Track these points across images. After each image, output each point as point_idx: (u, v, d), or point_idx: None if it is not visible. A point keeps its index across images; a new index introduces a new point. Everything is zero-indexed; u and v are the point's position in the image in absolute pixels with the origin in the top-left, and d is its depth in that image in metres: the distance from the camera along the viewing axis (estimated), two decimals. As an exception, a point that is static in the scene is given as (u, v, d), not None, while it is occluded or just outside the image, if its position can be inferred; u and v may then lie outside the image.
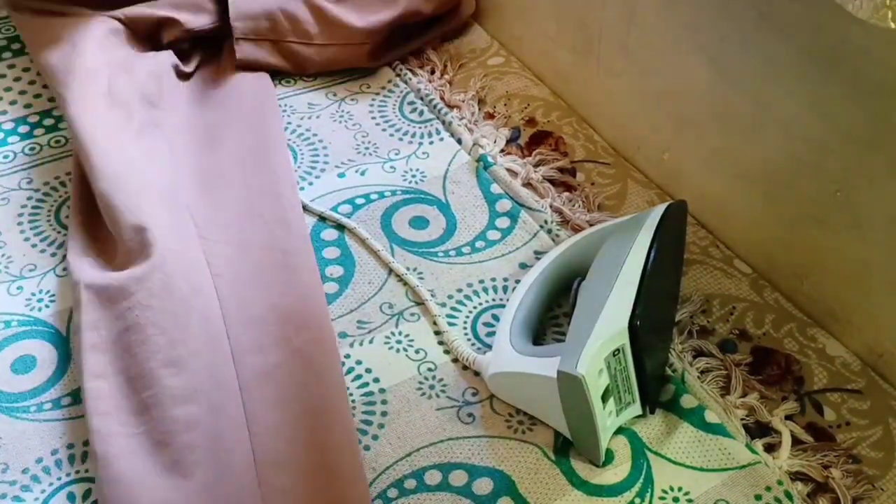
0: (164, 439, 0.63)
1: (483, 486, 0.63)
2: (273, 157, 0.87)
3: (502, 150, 0.92)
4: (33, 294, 0.75)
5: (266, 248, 0.77)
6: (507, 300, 0.76)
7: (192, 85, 0.98)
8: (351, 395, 0.69)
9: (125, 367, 0.66)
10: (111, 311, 0.69)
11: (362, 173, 0.89)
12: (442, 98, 0.99)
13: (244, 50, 0.98)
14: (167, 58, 0.97)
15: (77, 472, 0.63)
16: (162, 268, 0.72)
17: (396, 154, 0.91)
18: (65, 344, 0.72)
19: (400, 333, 0.74)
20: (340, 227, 0.83)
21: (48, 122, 0.93)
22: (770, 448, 0.67)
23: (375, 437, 0.66)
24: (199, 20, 1.00)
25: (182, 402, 0.64)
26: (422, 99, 0.98)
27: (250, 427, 0.65)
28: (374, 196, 0.86)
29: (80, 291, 0.71)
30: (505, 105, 0.99)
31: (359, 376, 0.70)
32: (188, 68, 0.98)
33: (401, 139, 0.93)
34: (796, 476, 0.65)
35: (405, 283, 0.78)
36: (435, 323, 0.74)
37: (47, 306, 0.74)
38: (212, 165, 0.86)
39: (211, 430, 0.64)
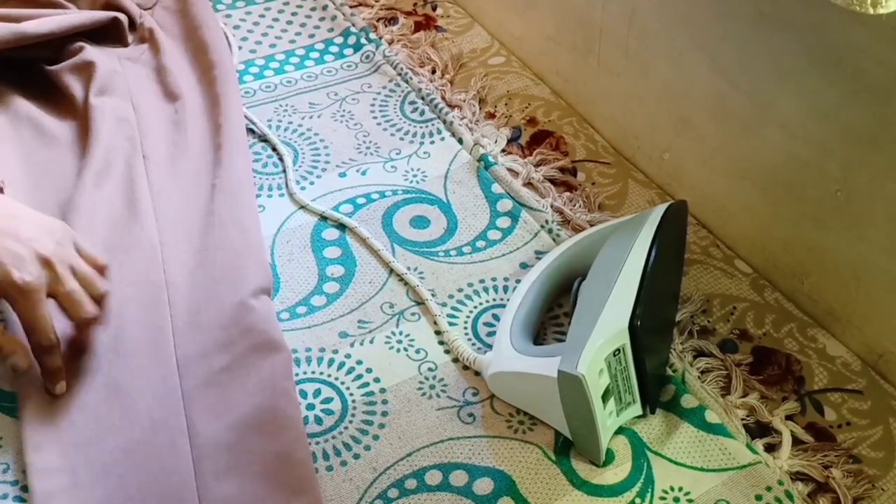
0: (104, 469, 0.62)
1: (483, 486, 0.64)
2: (233, 153, 0.85)
3: (503, 150, 0.93)
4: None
5: (219, 250, 0.76)
6: (508, 300, 0.76)
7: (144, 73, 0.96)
8: (352, 395, 0.69)
9: (61, 401, 0.65)
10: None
11: (363, 173, 0.89)
12: (443, 98, 0.99)
13: None
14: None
15: (78, 471, 0.63)
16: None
17: (397, 154, 0.91)
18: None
19: (400, 333, 0.74)
20: (341, 226, 0.83)
21: None
22: (770, 448, 0.67)
23: (376, 437, 0.66)
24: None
25: (122, 431, 0.64)
26: (423, 98, 0.98)
27: (192, 439, 0.64)
28: (375, 196, 0.86)
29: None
30: (506, 105, 0.99)
31: (359, 376, 0.70)
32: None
33: (402, 139, 0.93)
34: (797, 476, 0.65)
35: (406, 283, 0.78)
36: (435, 323, 0.74)
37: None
38: (176, 161, 0.85)
39: (151, 452, 0.63)
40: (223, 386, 0.67)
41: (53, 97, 0.91)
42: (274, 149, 0.91)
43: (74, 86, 0.91)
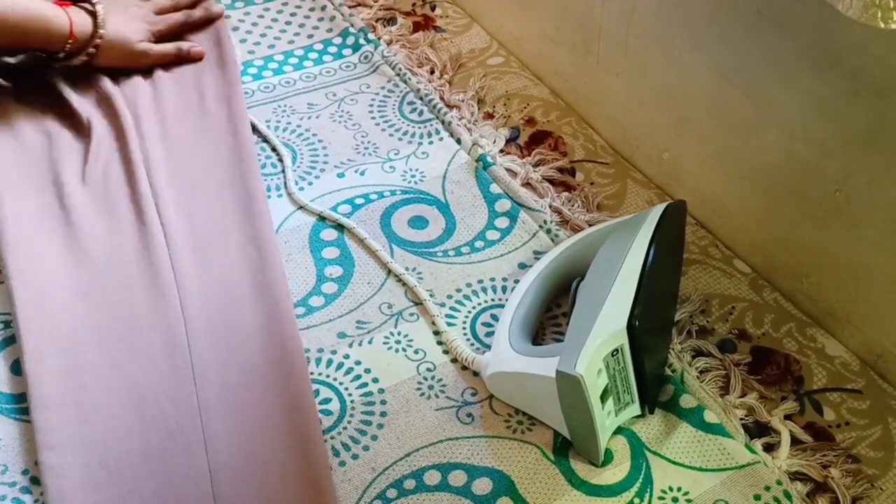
0: (119, 469, 0.62)
1: (482, 486, 0.63)
2: (243, 168, 0.85)
3: (502, 150, 0.92)
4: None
5: (236, 268, 0.76)
6: (507, 300, 0.76)
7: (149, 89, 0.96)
8: (350, 395, 0.69)
9: (77, 400, 0.65)
10: (62, 343, 0.69)
11: (362, 173, 0.89)
12: (441, 98, 0.99)
13: None
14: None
15: (76, 472, 0.63)
16: (113, 293, 0.72)
17: (396, 154, 0.91)
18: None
19: (399, 333, 0.74)
20: (340, 226, 0.83)
21: None
22: (769, 448, 0.67)
23: (375, 438, 0.66)
24: None
25: (138, 433, 0.64)
26: (421, 99, 0.98)
27: (208, 448, 0.64)
28: (373, 196, 0.86)
29: (19, 321, 0.70)
30: (504, 105, 0.99)
31: (358, 376, 0.70)
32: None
33: (400, 139, 0.93)
34: (795, 476, 0.65)
35: (404, 283, 0.78)
36: (434, 323, 0.74)
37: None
38: (185, 178, 0.85)
39: (168, 457, 0.63)
40: (241, 397, 0.67)
41: (50, 99, 0.91)
42: (273, 149, 0.91)
43: (69, 88, 0.91)
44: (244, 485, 0.62)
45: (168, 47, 0.96)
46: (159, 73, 0.96)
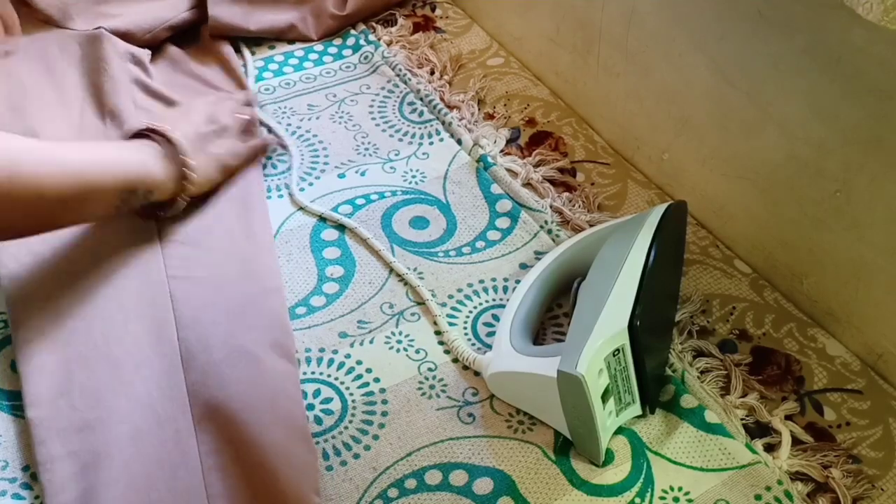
0: (108, 452, 0.62)
1: (483, 485, 0.63)
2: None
3: (502, 151, 0.92)
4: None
5: (226, 255, 0.76)
6: (508, 300, 0.76)
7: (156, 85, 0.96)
8: (351, 394, 0.69)
9: (65, 390, 0.65)
10: (51, 337, 0.69)
11: (362, 174, 0.89)
12: (441, 98, 0.99)
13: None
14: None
15: (77, 471, 0.63)
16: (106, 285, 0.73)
17: (396, 154, 0.91)
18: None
19: (400, 333, 0.74)
20: (341, 227, 0.83)
21: None
22: (770, 448, 0.67)
23: (376, 437, 0.66)
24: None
25: (127, 417, 0.64)
26: (421, 100, 0.98)
27: (198, 434, 0.64)
28: (374, 196, 0.86)
29: (11, 313, 0.70)
30: (504, 105, 0.99)
31: (359, 376, 0.70)
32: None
33: (401, 140, 0.93)
34: (796, 476, 0.65)
35: (406, 283, 0.78)
36: (435, 323, 0.74)
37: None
38: None
39: (157, 443, 0.63)
40: (225, 380, 0.66)
41: (45, 98, 0.91)
42: (283, 146, 0.91)
43: (61, 83, 0.91)
44: (233, 468, 0.62)
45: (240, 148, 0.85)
46: (156, 70, 0.97)
